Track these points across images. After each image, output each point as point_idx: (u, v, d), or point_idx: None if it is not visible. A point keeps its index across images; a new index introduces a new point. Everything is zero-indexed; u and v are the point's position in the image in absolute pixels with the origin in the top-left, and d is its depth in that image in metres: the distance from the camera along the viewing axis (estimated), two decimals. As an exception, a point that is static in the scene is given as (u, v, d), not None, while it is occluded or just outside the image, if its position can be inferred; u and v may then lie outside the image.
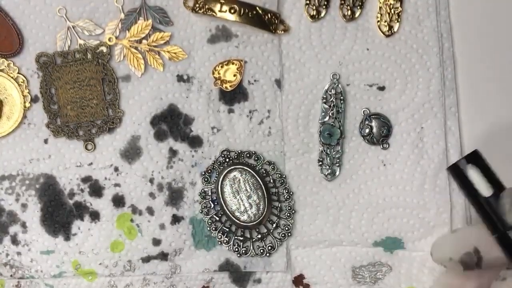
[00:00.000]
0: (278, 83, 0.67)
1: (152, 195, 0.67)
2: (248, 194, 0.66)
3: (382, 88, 0.68)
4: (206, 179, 0.66)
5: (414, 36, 0.68)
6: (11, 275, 0.67)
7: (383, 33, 0.68)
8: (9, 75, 0.66)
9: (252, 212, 0.66)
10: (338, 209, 0.68)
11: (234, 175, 0.66)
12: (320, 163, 0.67)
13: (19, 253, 0.67)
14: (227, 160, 0.66)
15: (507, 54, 0.70)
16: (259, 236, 0.67)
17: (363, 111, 0.67)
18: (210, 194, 0.67)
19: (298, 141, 0.68)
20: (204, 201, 0.67)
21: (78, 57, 0.66)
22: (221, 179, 0.66)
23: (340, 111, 0.67)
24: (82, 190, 0.67)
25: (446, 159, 0.68)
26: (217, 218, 0.67)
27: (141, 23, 0.66)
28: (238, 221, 0.66)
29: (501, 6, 0.69)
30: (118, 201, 0.67)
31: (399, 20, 0.68)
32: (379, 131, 0.67)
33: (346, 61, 0.68)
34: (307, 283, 0.68)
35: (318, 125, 0.67)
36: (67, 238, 0.67)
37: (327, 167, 0.67)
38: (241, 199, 0.66)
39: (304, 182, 0.68)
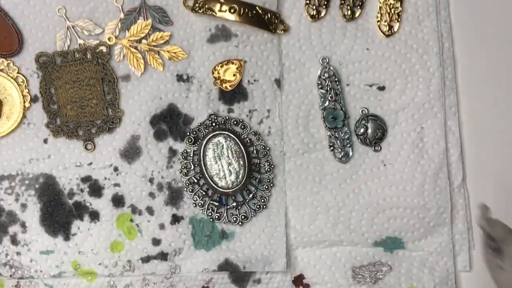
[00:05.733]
0: (278, 83, 0.67)
1: (152, 195, 0.67)
2: (229, 161, 0.66)
3: (382, 88, 0.68)
4: (190, 140, 0.66)
5: (414, 36, 0.68)
6: (10, 275, 0.67)
7: (383, 33, 0.67)
8: (8, 75, 0.66)
9: (230, 179, 0.66)
10: (338, 209, 0.68)
11: (218, 140, 0.66)
12: (332, 148, 0.67)
13: (18, 253, 0.66)
14: (214, 124, 0.66)
15: (507, 54, 0.69)
16: (234, 204, 0.67)
17: (361, 110, 0.67)
18: (192, 155, 0.67)
19: (298, 141, 0.68)
20: (185, 161, 0.66)
21: (78, 57, 0.66)
22: (204, 142, 0.66)
23: (338, 92, 0.67)
24: (81, 190, 0.66)
25: (446, 159, 0.68)
26: (195, 180, 0.67)
27: (140, 23, 0.66)
28: (215, 186, 0.66)
29: (501, 6, 0.69)
30: (118, 201, 0.67)
31: (399, 20, 0.68)
32: (374, 133, 0.67)
33: (346, 61, 0.68)
34: (307, 283, 0.68)
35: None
36: (67, 238, 0.67)
37: (339, 150, 0.67)
38: (222, 165, 0.66)
39: (304, 182, 0.68)
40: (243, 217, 0.67)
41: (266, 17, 0.66)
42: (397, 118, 0.68)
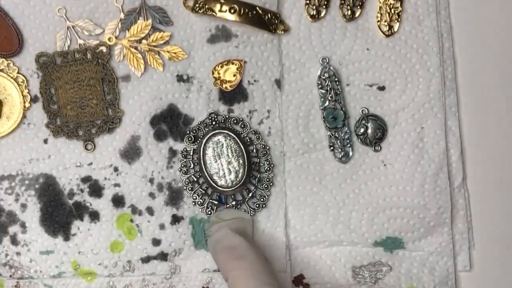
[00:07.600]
0: (278, 83, 0.67)
1: (152, 195, 0.67)
2: (229, 160, 0.66)
3: (382, 88, 0.68)
4: (190, 139, 0.66)
5: (414, 36, 0.68)
6: (10, 275, 0.67)
7: (383, 33, 0.67)
8: (8, 75, 0.66)
9: (230, 178, 0.66)
10: (338, 209, 0.68)
11: (218, 139, 0.66)
12: (332, 148, 0.67)
13: (18, 253, 0.66)
14: (214, 123, 0.66)
15: (507, 54, 0.70)
16: (234, 203, 0.67)
17: (362, 110, 0.67)
18: (191, 154, 0.67)
19: (298, 141, 0.68)
20: (185, 160, 0.66)
21: (78, 57, 0.66)
22: (204, 140, 0.66)
23: (338, 92, 0.67)
24: (81, 190, 0.66)
25: (446, 159, 0.68)
26: (195, 179, 0.67)
27: (141, 23, 0.66)
28: (215, 185, 0.66)
29: (501, 6, 0.70)
30: (118, 201, 0.67)
31: (399, 20, 0.68)
32: (374, 133, 0.67)
33: (346, 61, 0.68)
34: (307, 283, 0.68)
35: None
36: (67, 238, 0.67)
37: (339, 150, 0.67)
38: (221, 164, 0.66)
39: (304, 182, 0.68)
40: None
41: (266, 17, 0.66)
42: (397, 118, 0.68)
